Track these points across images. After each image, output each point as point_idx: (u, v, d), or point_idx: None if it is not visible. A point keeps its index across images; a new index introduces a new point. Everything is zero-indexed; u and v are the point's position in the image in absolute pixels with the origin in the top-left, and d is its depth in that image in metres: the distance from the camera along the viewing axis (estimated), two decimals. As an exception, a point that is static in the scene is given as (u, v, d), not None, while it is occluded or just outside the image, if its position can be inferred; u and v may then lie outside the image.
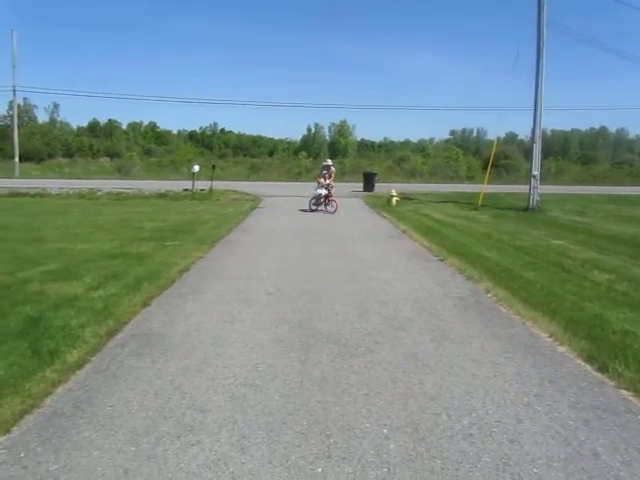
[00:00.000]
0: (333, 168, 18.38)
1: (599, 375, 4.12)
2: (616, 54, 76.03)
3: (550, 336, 5.01)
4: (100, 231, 11.57)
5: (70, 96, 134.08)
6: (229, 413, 3.39)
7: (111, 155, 58.44)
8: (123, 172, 42.80)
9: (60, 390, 3.70)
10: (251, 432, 3.16)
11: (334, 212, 16.93)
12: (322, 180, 17.64)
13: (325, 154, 74.77)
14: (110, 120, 78.24)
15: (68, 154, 57.78)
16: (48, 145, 58.72)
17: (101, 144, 65.21)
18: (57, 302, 5.74)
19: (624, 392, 3.80)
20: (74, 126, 76.99)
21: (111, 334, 4.88)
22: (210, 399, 3.59)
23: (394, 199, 20.16)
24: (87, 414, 3.36)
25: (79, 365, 4.13)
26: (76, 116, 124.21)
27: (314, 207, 17.59)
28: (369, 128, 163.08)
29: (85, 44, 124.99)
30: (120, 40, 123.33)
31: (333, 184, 18.01)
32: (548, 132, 71.03)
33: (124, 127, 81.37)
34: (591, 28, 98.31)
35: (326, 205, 17.41)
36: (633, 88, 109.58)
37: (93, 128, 76.59)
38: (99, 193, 22.89)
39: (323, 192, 17.40)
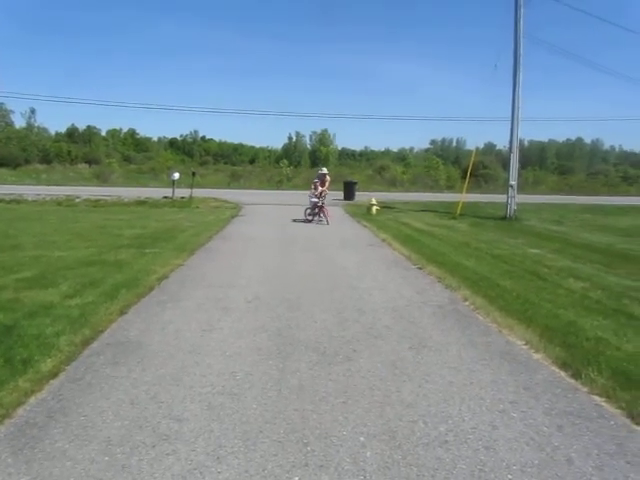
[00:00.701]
0: (329, 177, 17.74)
1: (573, 381, 4.18)
2: (590, 67, 77.83)
3: (526, 343, 5.08)
4: (78, 238, 11.42)
5: (49, 102, 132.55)
6: (205, 422, 3.37)
7: (90, 161, 57.74)
8: (102, 179, 42.38)
9: (33, 400, 3.64)
10: (227, 441, 3.14)
11: (328, 224, 16.07)
12: (314, 190, 16.95)
13: (306, 162, 75.28)
14: (89, 126, 77.46)
15: (46, 160, 56.94)
16: (25, 151, 57.85)
17: (79, 150, 64.43)
18: (32, 310, 5.65)
19: (597, 398, 3.86)
20: (52, 132, 76.13)
21: (87, 342, 4.81)
22: (187, 408, 3.56)
23: (374, 208, 20.26)
24: (60, 424, 3.31)
25: (53, 374, 4.07)
26: (54, 122, 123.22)
27: (310, 217, 16.91)
28: (350, 137, 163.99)
29: (64, 50, 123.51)
30: (100, 47, 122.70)
31: (327, 192, 17.46)
32: (525, 143, 72.22)
33: (103, 133, 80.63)
34: (568, 40, 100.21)
35: (319, 215, 16.71)
36: (607, 100, 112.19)
37: (71, 134, 75.68)
38: (77, 200, 22.63)
39: (319, 202, 16.66)
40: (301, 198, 24.57)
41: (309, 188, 17.76)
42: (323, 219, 16.50)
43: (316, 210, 16.75)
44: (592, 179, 55.13)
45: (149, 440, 3.13)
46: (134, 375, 4.12)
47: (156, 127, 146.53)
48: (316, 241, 12.49)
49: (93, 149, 67.52)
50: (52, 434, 3.18)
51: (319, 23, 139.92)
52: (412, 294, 7.11)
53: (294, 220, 17.12)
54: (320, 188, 16.91)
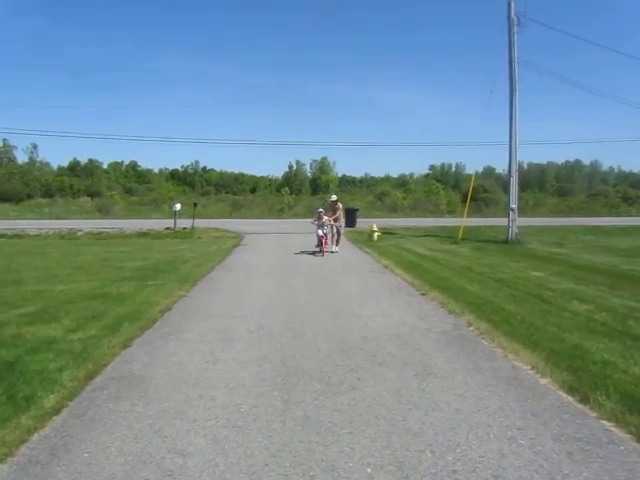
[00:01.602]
0: (340, 204, 16.81)
1: (581, 406, 4.13)
2: (586, 90, 78.97)
3: (532, 368, 5.03)
4: (80, 272, 11.45)
5: (51, 137, 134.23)
6: (210, 456, 3.32)
7: (92, 195, 58.17)
8: (104, 211, 42.71)
9: (36, 437, 3.60)
10: (233, 475, 3.10)
11: (323, 255, 14.94)
12: (318, 220, 15.71)
13: (307, 190, 75.67)
14: (91, 160, 78.25)
15: (48, 194, 57.37)
16: (27, 185, 58.37)
17: (81, 184, 64.87)
18: (34, 345, 5.63)
19: (606, 423, 3.81)
20: (54, 166, 76.93)
21: (90, 377, 4.78)
22: (191, 442, 3.52)
23: (375, 234, 20.29)
24: (63, 461, 3.27)
25: (56, 410, 4.03)
26: (56, 156, 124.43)
27: (317, 248, 15.57)
28: (350, 164, 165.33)
29: (65, 85, 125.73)
30: (101, 80, 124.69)
31: (341, 221, 16.64)
32: (525, 165, 72.71)
33: (105, 166, 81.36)
34: (564, 64, 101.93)
35: (319, 245, 15.41)
36: (603, 121, 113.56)
37: (73, 168, 76.43)
38: (79, 233, 22.75)
39: (323, 232, 15.42)
40: (302, 226, 24.63)
41: (314, 216, 16.56)
42: (320, 250, 15.32)
43: (322, 241, 15.39)
44: (592, 200, 55.27)
45: (153, 476, 3.09)
46: (138, 409, 4.09)
47: (157, 159, 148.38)
48: (318, 269, 12.48)
49: (95, 182, 67.99)
50: (55, 472, 3.14)
51: (317, 51, 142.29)
52: (416, 320, 7.07)
53: (300, 249, 16.97)
54: (325, 217, 15.85)
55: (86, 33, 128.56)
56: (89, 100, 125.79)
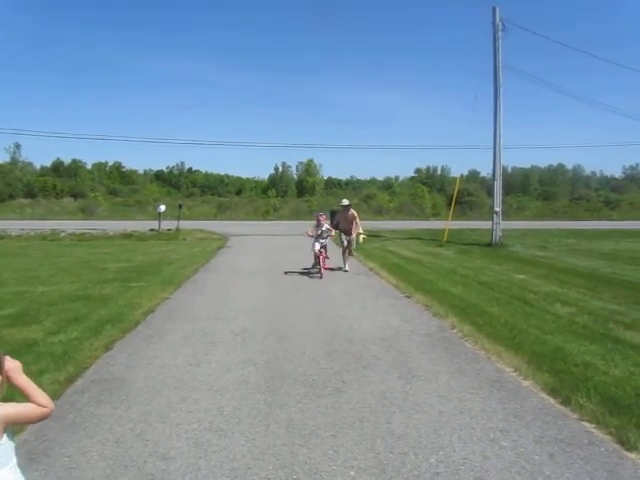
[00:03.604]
0: (353, 210, 13.34)
1: (562, 408, 4.17)
2: (570, 96, 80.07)
3: (515, 370, 5.07)
4: (62, 273, 11.31)
5: (34, 136, 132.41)
6: (193, 460, 3.29)
7: (75, 195, 57.45)
8: (87, 212, 42.35)
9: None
10: (215, 479, 3.07)
11: (321, 278, 11.30)
12: (316, 228, 12.20)
13: (293, 193, 75.42)
14: (74, 160, 77.14)
15: (30, 195, 56.54)
16: (9, 186, 57.49)
17: (65, 184, 63.94)
18: (14, 348, 5.52)
19: (587, 424, 3.85)
20: (37, 166, 75.75)
21: (71, 380, 4.72)
22: (173, 446, 3.49)
23: (361, 237, 20.24)
24: (43, 466, 3.22)
25: (36, 414, 3.96)
26: (40, 156, 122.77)
27: (317, 267, 11.93)
28: (336, 166, 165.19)
29: (49, 85, 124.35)
30: (86, 81, 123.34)
31: (360, 231, 13.50)
32: (509, 169, 72.98)
33: (89, 167, 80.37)
34: (545, 68, 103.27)
35: (317, 265, 11.88)
36: (588, 126, 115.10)
37: (57, 168, 75.30)
38: (62, 234, 22.51)
39: (322, 244, 12.07)
40: (288, 228, 24.65)
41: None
42: (317, 270, 11.81)
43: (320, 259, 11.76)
44: (575, 204, 55.96)
45: (134, 480, 3.05)
46: (119, 412, 4.04)
47: (142, 160, 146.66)
48: (303, 271, 12.45)
49: (78, 183, 67.04)
50: (34, 477, 3.07)
51: (303, 53, 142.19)
52: (400, 323, 7.09)
53: (286, 251, 16.95)
54: (325, 225, 12.34)
55: (71, 33, 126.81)
56: (73, 100, 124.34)
